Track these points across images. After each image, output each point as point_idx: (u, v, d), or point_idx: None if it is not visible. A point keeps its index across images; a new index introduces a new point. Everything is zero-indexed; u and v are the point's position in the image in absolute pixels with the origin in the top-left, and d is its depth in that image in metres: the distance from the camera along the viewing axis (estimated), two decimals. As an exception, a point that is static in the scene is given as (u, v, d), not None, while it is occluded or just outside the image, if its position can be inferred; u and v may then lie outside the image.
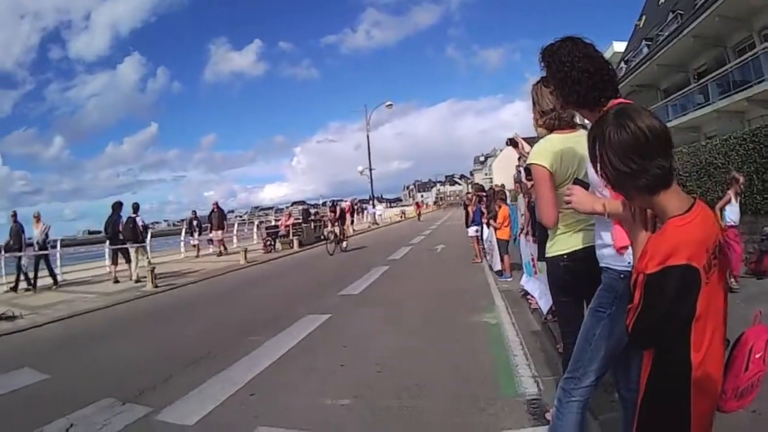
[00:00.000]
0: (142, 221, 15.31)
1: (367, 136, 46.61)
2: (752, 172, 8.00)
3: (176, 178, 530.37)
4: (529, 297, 7.28)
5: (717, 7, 20.02)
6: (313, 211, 33.00)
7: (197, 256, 21.07)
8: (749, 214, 7.89)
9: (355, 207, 41.99)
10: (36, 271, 13.49)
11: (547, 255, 2.98)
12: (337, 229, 20.00)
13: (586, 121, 2.48)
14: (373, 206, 48.80)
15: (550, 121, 3.00)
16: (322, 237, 23.80)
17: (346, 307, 8.53)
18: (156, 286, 12.36)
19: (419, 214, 54.52)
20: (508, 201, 10.98)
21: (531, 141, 3.76)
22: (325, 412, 4.12)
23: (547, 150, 2.78)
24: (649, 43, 29.55)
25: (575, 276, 2.78)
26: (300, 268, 15.71)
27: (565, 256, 2.82)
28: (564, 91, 2.33)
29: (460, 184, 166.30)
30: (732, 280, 6.84)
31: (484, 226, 11.68)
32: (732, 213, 7.20)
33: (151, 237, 18.60)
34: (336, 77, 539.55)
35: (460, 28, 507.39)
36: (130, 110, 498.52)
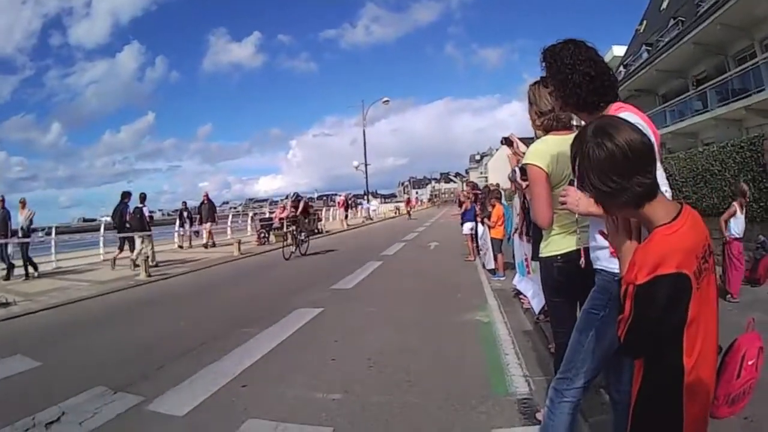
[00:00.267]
0: (149, 211, 15.53)
1: (363, 132, 46.56)
2: (748, 180, 8.00)
3: (171, 168, 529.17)
4: (521, 296, 7.30)
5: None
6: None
7: (190, 246, 21.05)
8: (744, 222, 7.92)
9: (350, 201, 41.86)
10: (25, 257, 13.28)
11: (540, 255, 2.99)
12: (297, 229, 16.55)
13: (583, 123, 2.49)
14: (368, 201, 48.76)
15: (548, 122, 3.01)
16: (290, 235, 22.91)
17: (338, 301, 8.54)
18: (149, 276, 12.34)
19: (410, 212, 49.85)
20: (503, 200, 10.97)
21: (526, 141, 3.77)
22: (316, 405, 4.12)
23: (544, 151, 2.79)
24: (649, 48, 29.61)
25: (569, 277, 2.79)
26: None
27: (559, 257, 2.83)
28: (564, 92, 2.33)
29: (455, 182, 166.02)
30: (729, 295, 6.87)
31: (479, 224, 11.68)
32: (736, 226, 7.15)
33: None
34: (334, 72, 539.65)
35: (459, 27, 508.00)
36: (128, 99, 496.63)
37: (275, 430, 3.70)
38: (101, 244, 17.52)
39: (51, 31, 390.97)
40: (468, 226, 13.18)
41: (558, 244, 2.82)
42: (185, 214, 21.87)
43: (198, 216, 21.82)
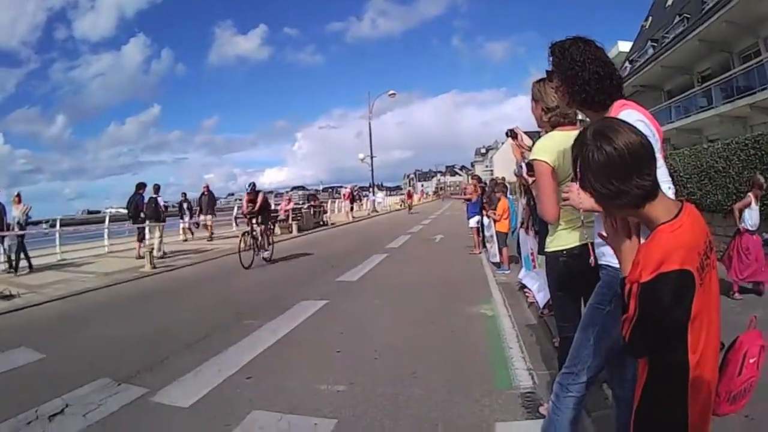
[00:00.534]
0: (164, 201, 15.82)
1: (369, 124, 46.57)
2: (749, 178, 8.00)
3: (177, 160, 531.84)
4: (526, 290, 7.31)
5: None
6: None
7: (192, 237, 20.96)
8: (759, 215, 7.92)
9: (355, 194, 41.78)
10: (20, 252, 13.10)
11: (546, 250, 3.00)
12: (258, 230, 13.07)
13: (588, 119, 2.50)
14: (373, 194, 48.70)
15: (555, 119, 3.02)
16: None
17: (343, 293, 8.56)
18: (154, 267, 12.38)
19: (410, 205, 46.29)
20: (508, 194, 10.96)
21: (531, 135, 3.78)
22: (321, 397, 4.15)
23: (550, 146, 2.80)
24: (655, 44, 29.47)
25: (574, 272, 2.80)
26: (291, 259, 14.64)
27: (564, 252, 2.84)
28: (573, 89, 2.33)
29: (460, 175, 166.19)
30: (761, 286, 6.90)
31: (485, 217, 11.68)
32: (751, 217, 7.07)
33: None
34: (340, 64, 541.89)
35: (465, 20, 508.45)
36: (133, 91, 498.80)
37: (280, 421, 3.72)
38: (106, 236, 17.53)
39: (56, 24, 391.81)
40: (474, 220, 13.16)
41: (564, 239, 2.83)
42: (185, 205, 21.54)
43: (198, 208, 21.58)
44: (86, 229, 21.37)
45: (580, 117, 3.01)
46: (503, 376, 4.47)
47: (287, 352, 5.45)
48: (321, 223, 26.97)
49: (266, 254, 13.22)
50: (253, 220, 13.05)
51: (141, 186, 15.18)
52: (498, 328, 6.03)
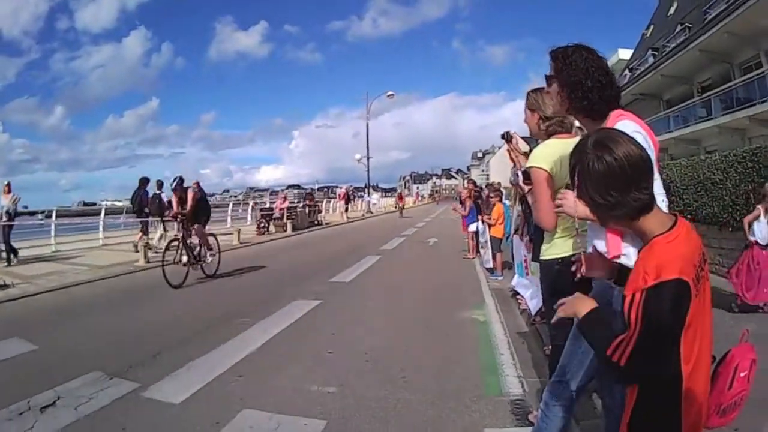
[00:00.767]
0: (167, 197, 15.64)
1: (367, 124, 46.68)
2: (750, 191, 7.99)
3: (174, 155, 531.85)
4: (519, 297, 7.32)
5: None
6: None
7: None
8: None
9: (350, 194, 41.74)
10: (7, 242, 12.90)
11: (542, 258, 2.99)
12: (194, 237, 10.19)
13: (584, 128, 2.50)
14: (369, 195, 48.73)
15: (553, 127, 3.03)
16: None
17: (336, 294, 8.56)
18: (148, 262, 12.33)
19: (402, 209, 42.08)
20: (504, 199, 10.96)
21: (529, 141, 3.79)
22: (311, 398, 4.16)
23: (547, 154, 2.80)
24: (655, 53, 29.53)
25: (568, 280, 2.80)
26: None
27: (560, 260, 2.83)
28: (576, 95, 2.29)
29: (456, 179, 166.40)
30: (734, 304, 6.73)
31: (480, 222, 11.68)
32: (760, 231, 6.82)
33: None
34: (339, 63, 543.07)
35: (467, 23, 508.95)
36: (132, 84, 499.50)
37: (270, 420, 3.72)
38: (101, 229, 17.51)
39: (57, 15, 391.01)
40: (472, 227, 13.11)
41: (560, 247, 2.83)
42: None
43: None
44: (82, 221, 21.31)
45: (577, 124, 3.02)
46: (493, 382, 4.48)
47: (279, 352, 5.45)
48: (316, 222, 26.99)
49: (208, 266, 10.39)
50: (184, 224, 10.06)
51: (145, 181, 15.24)
52: (489, 334, 6.04)
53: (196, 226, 10.22)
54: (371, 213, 43.26)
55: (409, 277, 10.46)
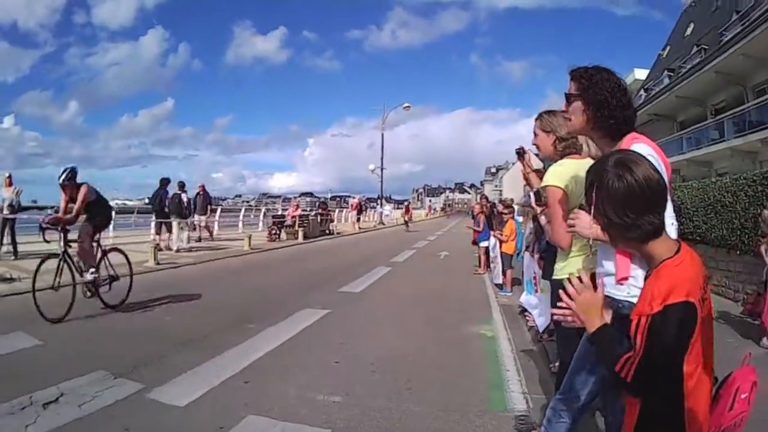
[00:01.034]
0: (187, 198, 16.23)
1: (382, 135, 46.93)
2: (758, 214, 7.97)
3: (187, 157, 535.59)
4: (527, 314, 7.31)
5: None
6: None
7: (200, 239, 20.79)
8: (751, 255, 7.88)
9: (363, 205, 41.78)
10: (2, 235, 12.69)
11: (555, 276, 2.99)
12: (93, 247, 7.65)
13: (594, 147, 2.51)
14: (381, 206, 48.77)
15: (567, 149, 3.06)
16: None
17: (345, 304, 8.57)
18: (157, 263, 12.45)
19: (408, 221, 39.54)
20: (516, 215, 10.97)
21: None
22: (316, 406, 4.16)
23: (563, 173, 2.83)
24: (671, 74, 29.56)
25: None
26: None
27: (573, 279, 2.85)
28: (602, 113, 2.26)
29: (469, 193, 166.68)
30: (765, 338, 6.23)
31: (492, 237, 11.68)
32: None
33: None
34: (357, 72, 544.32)
35: (486, 38, 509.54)
36: (148, 83, 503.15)
37: (274, 427, 3.73)
38: (111, 228, 17.47)
39: (75, 9, 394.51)
40: (484, 244, 13.08)
41: (574, 265, 2.82)
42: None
43: (192, 208, 21.30)
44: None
45: (585, 148, 3.05)
46: (498, 397, 4.48)
47: (286, 359, 5.47)
48: (327, 231, 27.06)
49: (111, 292, 7.70)
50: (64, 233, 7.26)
51: (165, 181, 15.54)
52: (496, 350, 6.03)
53: (81, 234, 7.47)
54: (383, 224, 43.33)
55: (419, 290, 10.44)
